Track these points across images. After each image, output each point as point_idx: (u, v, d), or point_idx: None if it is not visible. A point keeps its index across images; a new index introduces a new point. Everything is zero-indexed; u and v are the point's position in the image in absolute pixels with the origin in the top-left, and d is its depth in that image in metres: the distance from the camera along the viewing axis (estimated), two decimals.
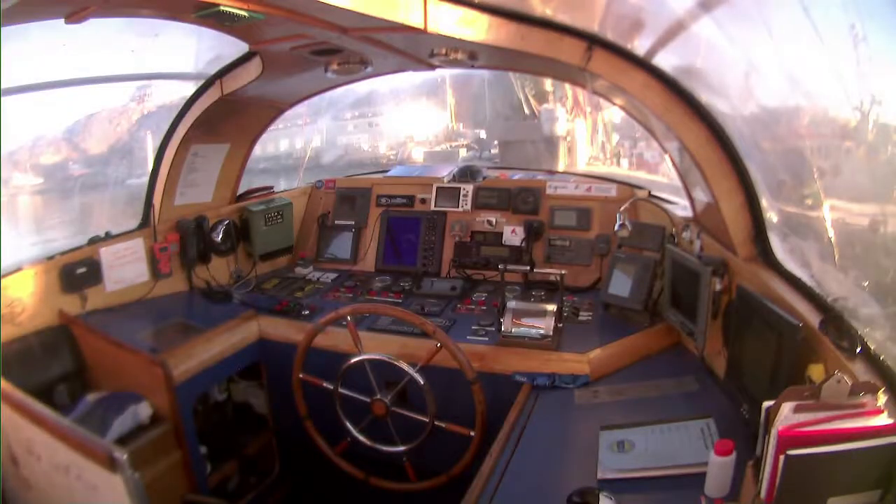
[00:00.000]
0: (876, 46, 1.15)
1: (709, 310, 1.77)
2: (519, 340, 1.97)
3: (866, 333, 1.24)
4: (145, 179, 2.58)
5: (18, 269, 2.06)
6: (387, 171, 3.32)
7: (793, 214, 1.75)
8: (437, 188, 2.91)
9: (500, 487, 1.40)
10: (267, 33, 1.84)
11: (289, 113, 2.91)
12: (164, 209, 2.53)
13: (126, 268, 2.39)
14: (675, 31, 1.63)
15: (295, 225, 3.03)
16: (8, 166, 2.70)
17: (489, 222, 2.78)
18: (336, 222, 3.03)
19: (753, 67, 1.60)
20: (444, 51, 1.96)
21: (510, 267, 2.17)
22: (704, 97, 1.73)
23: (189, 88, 2.39)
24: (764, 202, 1.74)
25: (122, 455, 1.06)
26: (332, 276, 2.80)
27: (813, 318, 1.35)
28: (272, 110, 2.75)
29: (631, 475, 1.36)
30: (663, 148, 2.21)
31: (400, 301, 2.48)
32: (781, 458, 0.93)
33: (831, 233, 1.43)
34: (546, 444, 1.58)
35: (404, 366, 1.90)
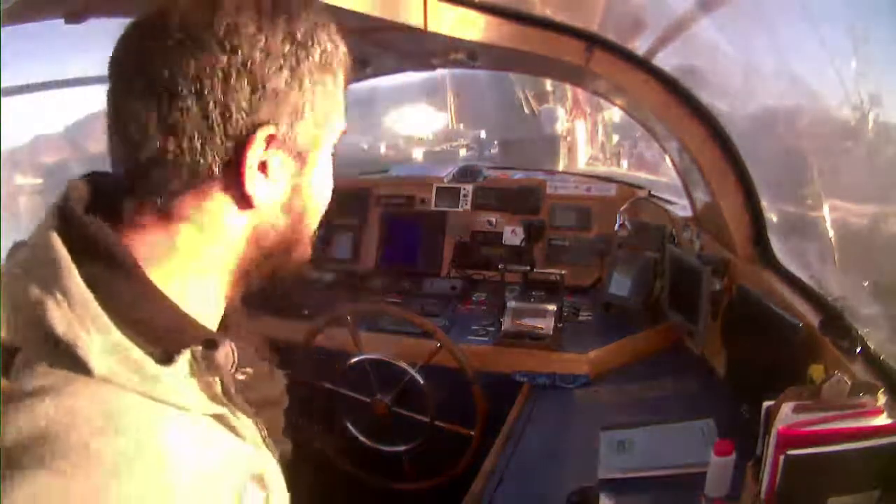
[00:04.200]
0: (876, 46, 1.15)
1: (709, 310, 1.77)
2: (519, 340, 1.97)
3: (866, 333, 1.24)
4: None
5: None
6: (387, 171, 3.31)
7: (793, 214, 1.76)
8: (437, 188, 2.91)
9: (500, 487, 1.40)
10: None
11: None
12: None
13: None
14: (675, 31, 1.63)
15: None
16: (8, 166, 2.70)
17: (489, 222, 2.77)
18: (336, 222, 3.02)
19: (753, 67, 1.60)
20: (444, 51, 1.96)
21: (510, 267, 2.17)
22: (704, 97, 1.73)
23: None
24: (764, 202, 1.74)
25: None
26: (332, 276, 2.80)
27: (813, 318, 1.35)
28: None
29: (631, 475, 1.37)
30: (663, 148, 2.21)
31: (400, 301, 2.47)
32: (781, 458, 0.93)
33: (831, 233, 1.43)
34: (546, 444, 1.58)
35: (404, 366, 1.90)
